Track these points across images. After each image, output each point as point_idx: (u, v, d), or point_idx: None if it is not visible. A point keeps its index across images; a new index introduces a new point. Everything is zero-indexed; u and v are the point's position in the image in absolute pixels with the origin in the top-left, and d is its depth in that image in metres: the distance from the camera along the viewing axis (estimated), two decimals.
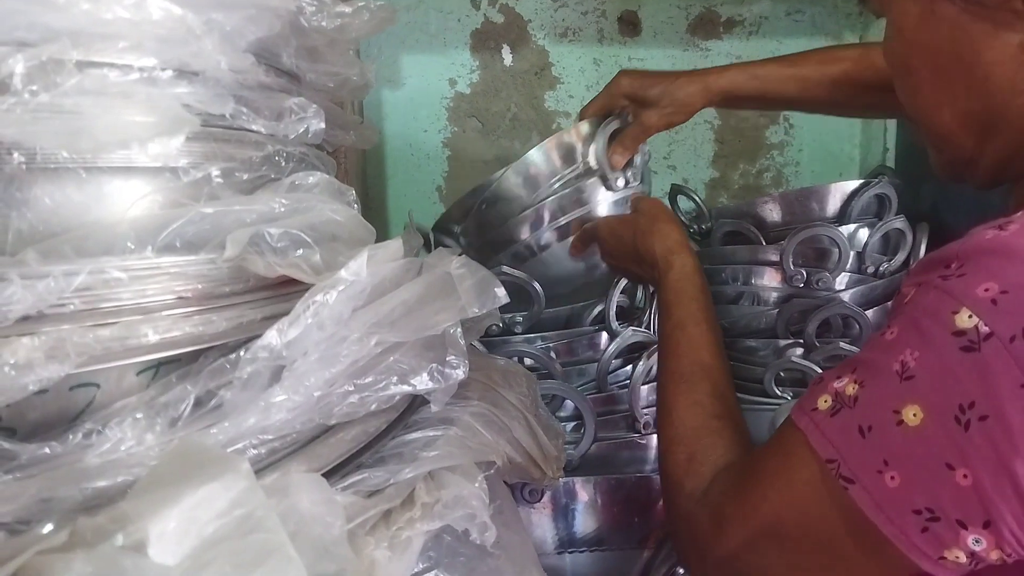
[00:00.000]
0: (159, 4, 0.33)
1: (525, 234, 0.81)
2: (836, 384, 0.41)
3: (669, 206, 1.04)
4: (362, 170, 1.04)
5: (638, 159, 0.82)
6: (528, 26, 1.15)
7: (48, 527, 0.29)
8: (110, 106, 0.33)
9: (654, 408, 0.86)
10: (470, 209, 0.82)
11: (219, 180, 0.39)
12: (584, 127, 0.79)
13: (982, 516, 0.36)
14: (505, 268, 0.82)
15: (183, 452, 0.32)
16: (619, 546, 0.81)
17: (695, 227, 1.02)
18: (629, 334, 0.84)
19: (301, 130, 0.45)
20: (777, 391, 0.90)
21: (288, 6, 0.39)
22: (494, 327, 0.85)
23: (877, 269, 0.90)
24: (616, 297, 0.87)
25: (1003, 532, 0.35)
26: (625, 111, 0.81)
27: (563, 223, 0.80)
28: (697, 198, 0.99)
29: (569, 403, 0.82)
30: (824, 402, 0.41)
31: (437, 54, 1.13)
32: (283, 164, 0.43)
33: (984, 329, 0.36)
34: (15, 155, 0.32)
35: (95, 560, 0.27)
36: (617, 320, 0.87)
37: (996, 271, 0.37)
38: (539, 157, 0.80)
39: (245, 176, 0.40)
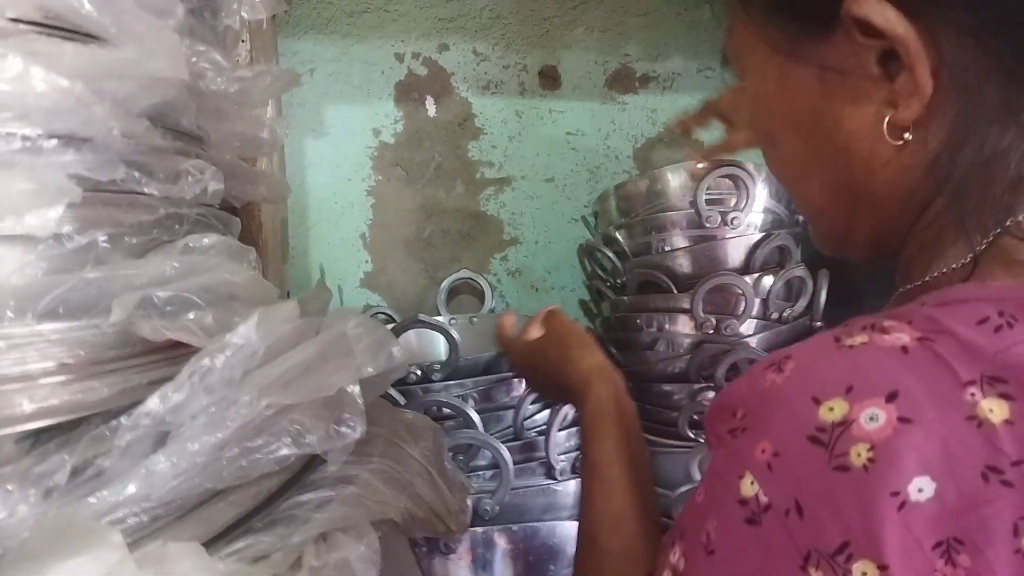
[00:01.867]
0: (43, 76, 0.33)
1: None
2: (672, 557, 0.39)
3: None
4: (283, 220, 1.04)
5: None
6: (451, 79, 1.18)
7: None
8: None
9: (570, 454, 0.87)
10: None
11: (106, 245, 0.39)
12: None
13: None
14: (422, 317, 0.83)
15: (54, 525, 0.31)
16: None
17: (610, 280, 1.05)
18: None
19: (198, 191, 0.45)
20: (691, 434, 0.93)
21: (181, 76, 0.40)
22: (412, 375, 0.86)
23: (781, 315, 0.94)
24: None
25: None
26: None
27: None
28: (610, 255, 1.01)
29: (486, 451, 0.83)
30: None
31: (361, 104, 1.14)
32: (177, 227, 0.43)
33: (763, 499, 0.33)
34: None
35: None
36: None
37: (770, 427, 0.34)
38: None
39: (135, 240, 0.41)
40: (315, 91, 1.12)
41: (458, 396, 0.84)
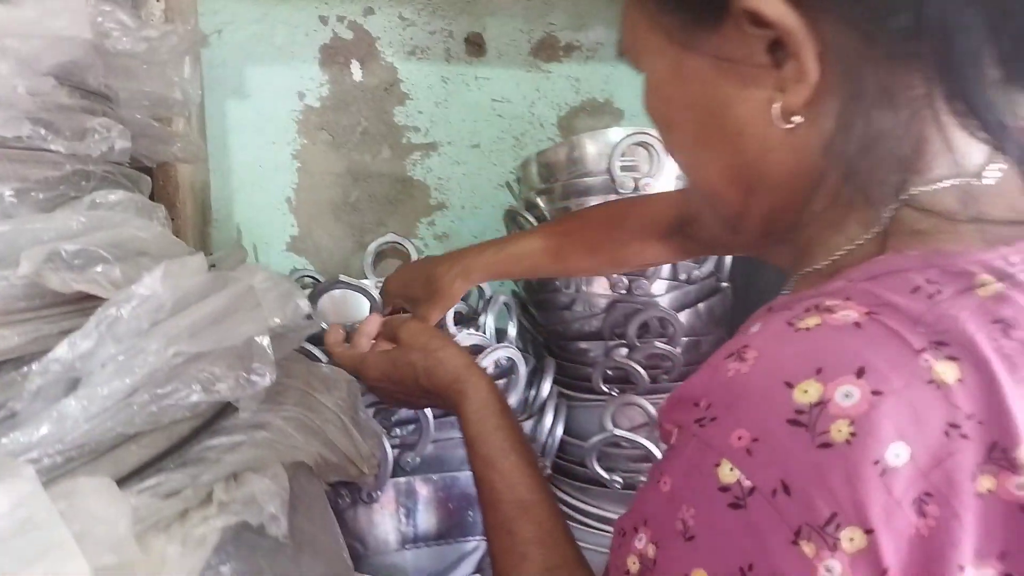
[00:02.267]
0: None
1: None
2: (638, 544, 0.40)
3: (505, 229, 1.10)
4: (205, 183, 1.04)
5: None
6: (377, 43, 1.18)
7: None
8: None
9: None
10: None
11: (12, 200, 0.40)
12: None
13: None
14: (343, 277, 0.85)
15: None
16: (456, 539, 0.86)
17: None
18: (464, 337, 0.89)
19: (105, 149, 0.46)
20: (604, 388, 0.99)
21: (84, 35, 0.41)
22: None
23: (688, 276, 1.00)
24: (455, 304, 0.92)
25: None
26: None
27: None
28: (531, 219, 1.05)
29: None
30: (632, 564, 0.40)
31: (284, 66, 1.14)
32: (84, 183, 0.45)
33: (746, 483, 0.34)
34: None
35: None
36: (455, 325, 0.93)
37: (743, 416, 0.36)
38: None
39: (42, 195, 0.42)
40: (236, 52, 1.11)
41: None
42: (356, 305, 1.04)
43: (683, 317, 0.98)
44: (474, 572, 0.88)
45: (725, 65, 0.41)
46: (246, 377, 0.46)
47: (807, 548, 0.33)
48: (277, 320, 0.45)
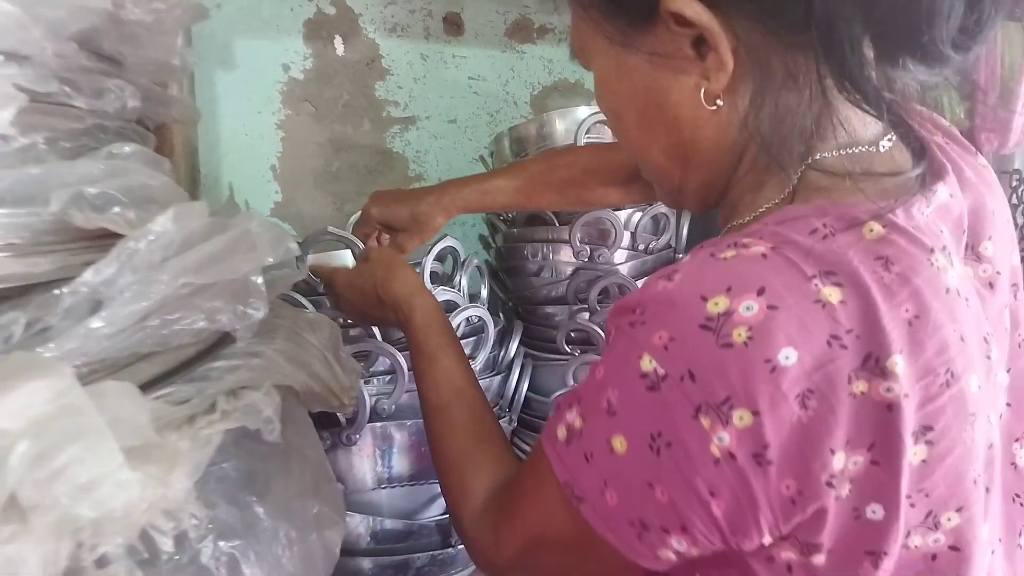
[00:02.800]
0: None
1: None
2: (568, 416, 0.47)
3: None
4: (194, 147, 1.10)
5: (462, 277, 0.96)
6: (359, 19, 1.24)
7: None
8: None
9: None
10: None
11: (44, 147, 0.46)
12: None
13: (679, 524, 0.42)
14: (331, 228, 0.92)
15: (17, 360, 0.40)
16: (428, 480, 0.93)
17: (504, 215, 1.15)
18: (440, 293, 0.96)
19: (119, 106, 0.52)
20: (567, 348, 1.06)
21: (105, 5, 0.47)
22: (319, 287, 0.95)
23: (647, 247, 1.08)
24: (430, 263, 0.99)
25: (696, 535, 0.42)
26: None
27: None
28: None
29: (385, 358, 0.93)
30: (561, 432, 0.47)
31: (270, 40, 1.19)
32: (102, 136, 0.51)
33: (661, 371, 0.41)
34: None
35: None
36: (431, 283, 0.99)
37: (666, 320, 0.42)
38: None
39: (67, 145, 0.48)
40: (225, 24, 1.16)
41: None
42: (341, 259, 1.10)
43: (639, 284, 1.06)
44: (443, 513, 0.96)
45: (658, 60, 0.48)
46: (243, 310, 0.53)
47: (704, 421, 0.40)
48: (270, 260, 0.52)
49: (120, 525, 0.39)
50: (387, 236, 0.93)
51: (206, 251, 0.50)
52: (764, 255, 0.43)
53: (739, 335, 0.40)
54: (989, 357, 0.47)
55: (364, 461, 0.92)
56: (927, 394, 0.42)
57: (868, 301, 0.41)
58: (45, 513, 0.37)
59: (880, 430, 0.41)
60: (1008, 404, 0.50)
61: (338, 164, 1.26)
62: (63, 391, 0.39)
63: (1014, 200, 1.33)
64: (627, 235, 1.06)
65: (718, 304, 0.41)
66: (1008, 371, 0.51)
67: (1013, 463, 0.50)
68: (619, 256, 1.07)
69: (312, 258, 0.89)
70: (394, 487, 0.93)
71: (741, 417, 0.40)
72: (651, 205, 1.08)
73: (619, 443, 0.43)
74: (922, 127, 0.50)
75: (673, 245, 1.11)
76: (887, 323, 0.41)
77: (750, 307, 0.40)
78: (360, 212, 0.93)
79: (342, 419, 0.89)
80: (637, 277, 1.06)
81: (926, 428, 0.42)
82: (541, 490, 0.49)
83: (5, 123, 0.41)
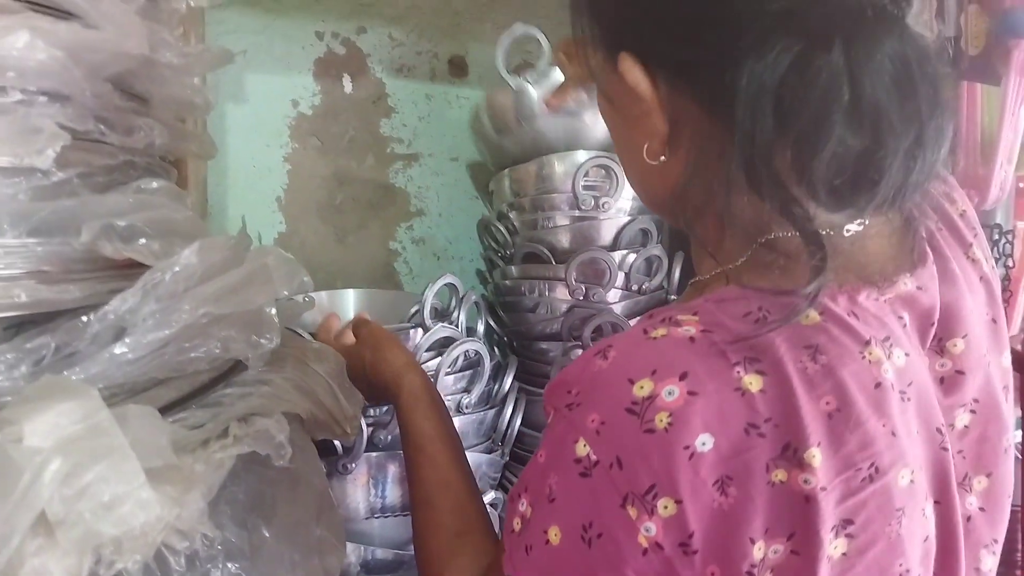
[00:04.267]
0: (42, 47, 0.44)
1: None
2: (520, 507, 0.46)
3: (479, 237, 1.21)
4: (204, 179, 1.13)
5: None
6: (368, 59, 1.28)
7: None
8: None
9: (455, 394, 1.01)
10: None
11: (78, 181, 0.49)
12: None
13: None
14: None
15: (47, 383, 0.42)
16: None
17: (502, 252, 1.19)
18: (438, 329, 0.99)
19: (147, 143, 0.56)
20: None
21: (144, 52, 0.51)
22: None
23: (640, 287, 1.11)
24: (431, 299, 1.02)
25: None
26: None
27: None
28: (502, 229, 1.16)
29: None
30: (516, 524, 0.47)
31: (281, 76, 1.23)
32: (132, 171, 0.54)
33: (593, 457, 0.41)
34: None
35: None
36: (431, 319, 1.02)
37: (598, 403, 0.42)
38: None
39: (100, 179, 0.51)
40: (238, 61, 1.20)
41: None
42: (342, 305, 1.13)
43: (632, 323, 1.09)
44: None
45: (618, 105, 0.52)
46: (256, 339, 0.55)
47: (632, 511, 0.40)
48: (285, 292, 0.55)
49: (138, 543, 0.41)
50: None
51: (224, 283, 0.53)
52: (692, 338, 0.43)
53: (660, 420, 0.40)
54: (945, 448, 0.47)
55: (358, 490, 0.93)
56: (848, 488, 0.41)
57: (789, 391, 0.41)
58: (70, 528, 0.39)
59: (799, 521, 0.41)
60: (982, 508, 0.50)
61: (342, 197, 1.29)
62: (91, 412, 0.41)
63: (996, 253, 1.38)
64: (621, 275, 1.09)
65: (643, 388, 0.41)
66: (989, 475, 0.50)
67: (977, 568, 0.50)
68: (613, 295, 1.10)
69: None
70: (387, 517, 0.95)
71: (666, 506, 0.40)
72: (644, 247, 1.11)
73: (554, 534, 0.43)
74: (919, 210, 0.50)
75: (665, 286, 1.15)
76: (806, 414, 0.40)
77: (672, 392, 0.40)
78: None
79: (339, 447, 0.91)
80: (630, 316, 1.09)
81: (847, 522, 0.41)
82: None
83: (49, 160, 0.44)
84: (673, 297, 1.16)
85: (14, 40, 0.42)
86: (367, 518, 0.94)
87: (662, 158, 0.49)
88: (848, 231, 0.47)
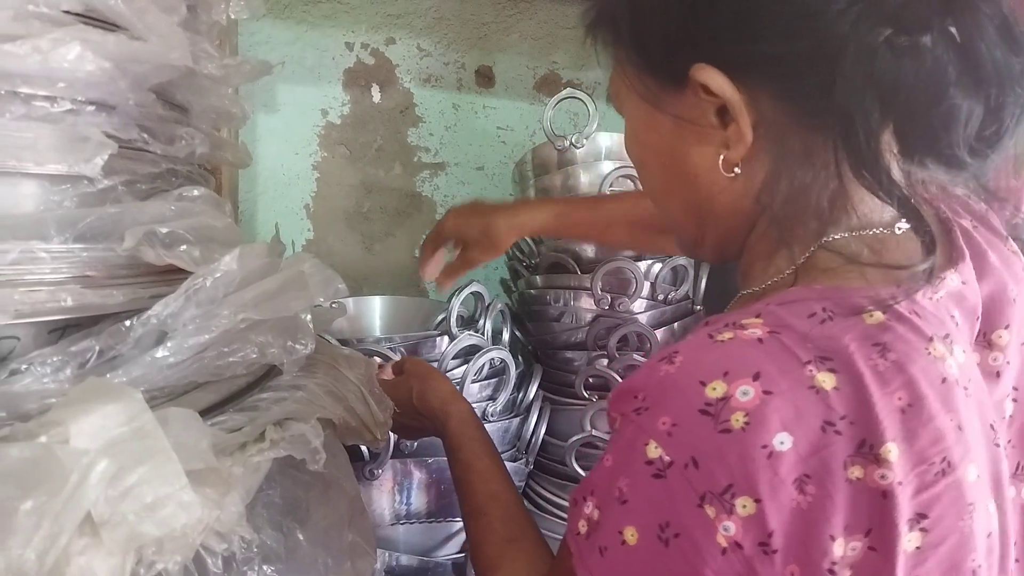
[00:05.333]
0: (91, 59, 0.45)
1: None
2: (586, 510, 0.47)
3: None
4: (235, 186, 1.15)
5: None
6: (396, 70, 1.30)
7: None
8: (47, 129, 0.45)
9: (480, 402, 1.02)
10: None
11: (123, 188, 0.51)
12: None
13: None
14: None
15: (92, 385, 0.43)
16: (445, 518, 0.95)
17: (527, 261, 1.19)
18: (464, 337, 0.99)
19: (189, 152, 0.57)
20: (585, 394, 1.09)
21: (187, 63, 0.52)
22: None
23: (666, 297, 1.11)
24: (457, 307, 1.03)
25: None
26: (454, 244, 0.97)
27: None
28: (528, 239, 1.16)
29: None
30: (582, 525, 0.47)
31: (311, 86, 1.25)
32: (173, 179, 0.55)
33: (667, 458, 0.41)
34: None
35: (31, 447, 0.38)
36: (457, 326, 1.03)
37: (668, 406, 0.42)
38: None
39: (143, 187, 0.52)
40: None
41: (388, 348, 0.98)
42: (368, 313, 1.14)
43: (659, 334, 1.08)
44: (459, 552, 0.97)
45: (683, 123, 0.50)
46: (291, 345, 0.56)
47: (709, 510, 0.40)
48: (321, 300, 0.56)
49: (179, 544, 0.42)
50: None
51: (263, 289, 0.54)
52: (760, 339, 0.43)
53: (736, 420, 0.40)
54: (998, 444, 0.47)
55: (383, 496, 0.94)
56: (922, 482, 0.42)
57: (862, 388, 0.41)
58: (114, 529, 0.40)
59: (876, 516, 0.41)
60: None
61: (369, 205, 1.30)
62: (135, 415, 0.42)
63: None
64: (647, 285, 1.09)
65: (716, 389, 0.41)
66: None
67: (1017, 559, 0.49)
68: (638, 305, 1.10)
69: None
70: (412, 523, 0.95)
71: (744, 505, 0.40)
72: (670, 257, 1.11)
73: (630, 534, 0.43)
74: (950, 209, 0.51)
75: (691, 296, 1.14)
76: (880, 410, 0.41)
77: (746, 392, 0.41)
78: (434, 227, 0.95)
79: (365, 453, 0.92)
80: (655, 326, 1.09)
81: (920, 515, 0.42)
82: None
83: (97, 168, 0.45)
84: (699, 308, 1.15)
85: (66, 52, 0.44)
86: (392, 524, 0.95)
87: (737, 169, 0.49)
88: (899, 229, 0.48)
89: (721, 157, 0.49)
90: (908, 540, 0.41)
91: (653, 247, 0.96)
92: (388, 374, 0.89)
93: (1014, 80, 0.42)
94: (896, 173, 0.45)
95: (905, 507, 0.41)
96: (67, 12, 0.47)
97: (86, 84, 0.47)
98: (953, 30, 0.41)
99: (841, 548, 0.40)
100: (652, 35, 0.49)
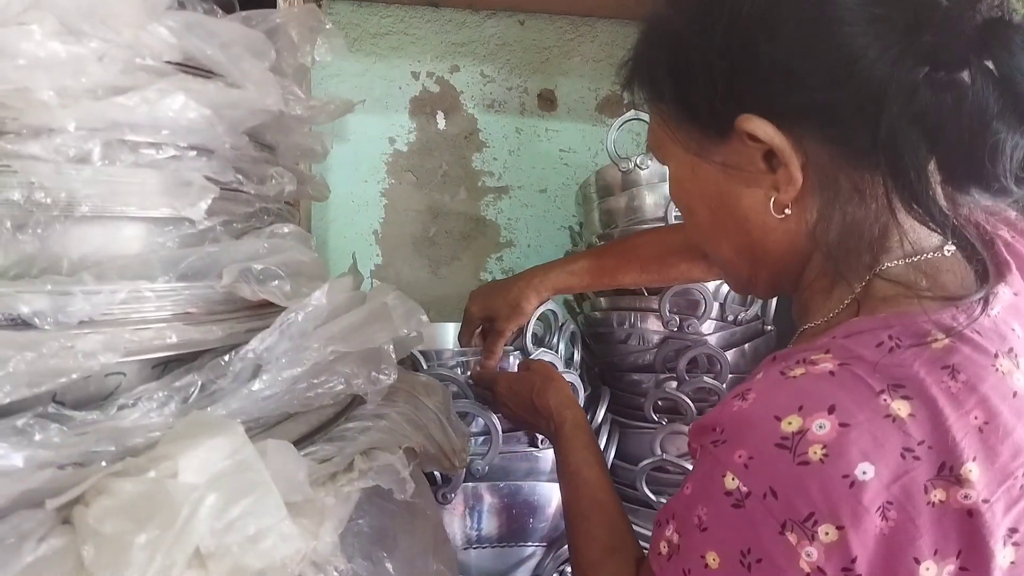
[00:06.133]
0: (194, 107, 0.47)
1: None
2: (667, 533, 0.49)
3: None
4: (309, 215, 1.18)
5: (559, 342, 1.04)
6: (460, 96, 1.32)
7: (103, 464, 0.42)
8: (153, 175, 0.47)
9: None
10: None
11: (221, 228, 0.53)
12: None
13: None
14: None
15: (196, 419, 0.45)
16: (516, 543, 0.95)
17: None
18: (541, 354, 1.00)
19: (280, 190, 0.59)
20: (654, 416, 1.08)
21: (280, 108, 0.54)
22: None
23: (736, 317, 1.09)
24: (533, 324, 1.03)
25: None
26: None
27: None
28: None
29: (480, 419, 0.97)
30: (663, 547, 0.49)
31: (379, 115, 1.28)
32: (266, 217, 0.57)
33: (744, 489, 0.43)
34: (83, 206, 0.46)
35: (143, 481, 0.40)
36: (532, 344, 1.03)
37: (744, 439, 0.44)
38: None
39: (239, 226, 0.55)
40: None
41: (463, 361, 0.99)
42: (441, 333, 1.16)
43: (730, 356, 1.07)
44: None
45: (731, 170, 0.51)
46: (375, 375, 0.58)
47: (791, 537, 0.41)
48: (404, 331, 0.57)
49: (279, 575, 0.43)
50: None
51: (350, 321, 0.55)
52: (832, 372, 0.44)
53: (815, 453, 0.42)
54: None
55: (455, 520, 0.95)
56: (1011, 497, 0.42)
57: (936, 412, 0.42)
58: (220, 561, 0.41)
59: (965, 537, 0.41)
60: None
61: (435, 230, 1.32)
62: (237, 448, 0.44)
63: None
64: (716, 306, 1.08)
65: (791, 423, 0.43)
66: None
67: None
68: (707, 326, 1.09)
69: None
70: (483, 548, 0.95)
71: (827, 532, 0.41)
72: None
73: (712, 559, 0.45)
74: (988, 223, 0.52)
75: (761, 316, 1.12)
76: (957, 432, 0.42)
77: (823, 425, 0.42)
78: (463, 315, 1.01)
79: (437, 477, 0.93)
80: (725, 348, 1.07)
81: (1012, 530, 0.42)
82: None
83: (201, 212, 0.47)
84: (770, 328, 1.13)
85: (171, 102, 0.46)
86: (464, 548, 0.95)
87: (788, 211, 0.50)
88: (948, 251, 0.49)
89: (772, 199, 0.50)
90: (1003, 556, 0.42)
91: (665, 278, 0.98)
92: (514, 367, 0.93)
93: None
94: (943, 203, 0.46)
95: (996, 524, 0.41)
96: (169, 63, 0.50)
97: (188, 131, 0.49)
98: (991, 65, 0.43)
99: (931, 572, 0.41)
100: (695, 92, 0.51)
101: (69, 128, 0.44)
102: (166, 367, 0.51)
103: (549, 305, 1.03)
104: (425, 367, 0.96)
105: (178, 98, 0.46)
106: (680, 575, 0.47)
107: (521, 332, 1.02)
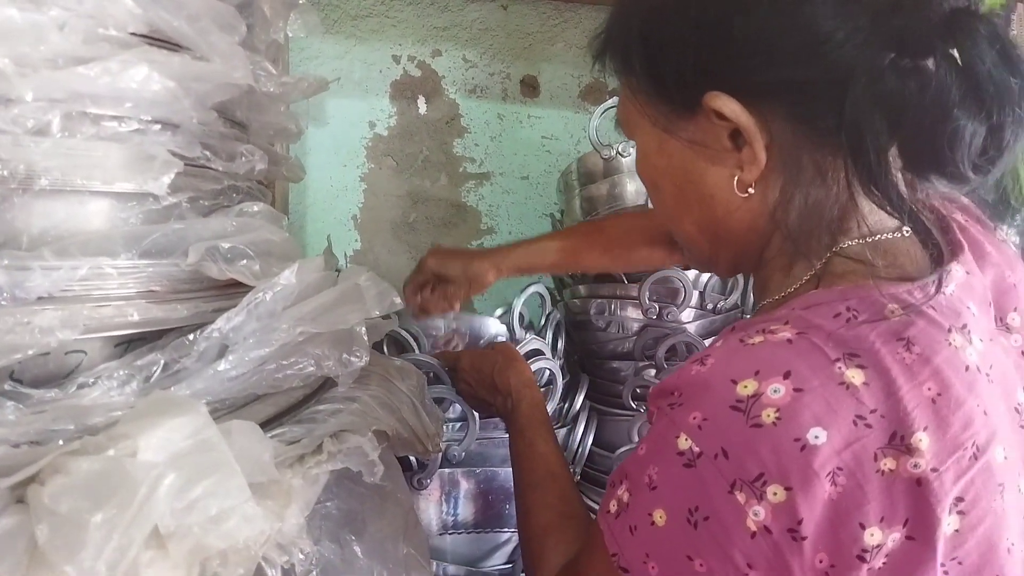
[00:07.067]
0: (158, 79, 0.46)
1: None
2: (618, 491, 0.50)
3: None
4: (286, 198, 1.17)
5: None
6: (442, 81, 1.31)
7: (59, 443, 0.41)
8: (116, 148, 0.46)
9: None
10: None
11: (186, 205, 0.52)
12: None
13: None
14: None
15: (157, 399, 0.44)
16: (492, 529, 0.95)
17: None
18: (530, 340, 0.99)
19: (249, 168, 0.58)
20: (632, 404, 1.08)
21: (249, 82, 0.53)
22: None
23: (715, 306, 1.09)
24: (519, 308, 1.03)
25: None
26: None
27: None
28: None
29: (457, 405, 0.96)
30: (613, 505, 0.50)
31: (359, 99, 1.27)
32: (234, 195, 0.56)
33: (696, 449, 0.44)
34: (43, 179, 0.44)
35: (101, 460, 0.39)
36: (521, 328, 1.03)
37: (700, 402, 0.45)
38: None
39: (206, 203, 0.53)
40: None
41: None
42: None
43: (708, 343, 1.07)
44: (506, 562, 0.97)
45: (697, 147, 0.52)
46: (347, 357, 0.57)
47: (740, 496, 0.42)
48: (376, 312, 0.56)
49: (242, 556, 0.42)
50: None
51: (320, 302, 0.55)
52: (790, 340, 0.45)
53: (768, 416, 0.42)
54: (1023, 426, 0.48)
55: (431, 506, 0.94)
56: (959, 467, 0.43)
57: (890, 381, 0.43)
58: (180, 541, 0.40)
59: (912, 505, 0.42)
60: None
61: (415, 216, 1.31)
62: (200, 428, 0.43)
63: None
64: (696, 294, 1.08)
65: (747, 387, 0.43)
66: None
67: None
68: (687, 315, 1.09)
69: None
70: (459, 533, 0.95)
71: (775, 492, 0.42)
72: None
73: (659, 516, 0.46)
74: (944, 208, 0.54)
75: (740, 305, 1.12)
76: (909, 402, 0.43)
77: (777, 390, 0.43)
78: (417, 264, 0.99)
79: (413, 463, 0.92)
80: (704, 336, 1.08)
81: (958, 499, 0.43)
82: (594, 561, 0.52)
83: (164, 186, 0.46)
84: (748, 316, 1.13)
85: (134, 73, 0.45)
86: (440, 534, 0.95)
87: (751, 189, 0.51)
88: (906, 232, 0.50)
89: (735, 178, 0.51)
90: (948, 524, 0.43)
91: (627, 261, 0.98)
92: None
93: (1014, 100, 0.44)
94: (902, 188, 0.47)
95: (944, 493, 0.42)
96: (133, 34, 0.48)
97: (152, 104, 0.48)
98: (955, 53, 0.43)
99: (874, 537, 0.42)
100: (666, 66, 0.51)
101: (27, 98, 0.43)
102: (129, 346, 0.50)
103: (538, 287, 1.02)
104: (417, 350, 0.95)
105: (141, 69, 0.45)
106: (627, 532, 0.48)
107: (508, 312, 1.02)
